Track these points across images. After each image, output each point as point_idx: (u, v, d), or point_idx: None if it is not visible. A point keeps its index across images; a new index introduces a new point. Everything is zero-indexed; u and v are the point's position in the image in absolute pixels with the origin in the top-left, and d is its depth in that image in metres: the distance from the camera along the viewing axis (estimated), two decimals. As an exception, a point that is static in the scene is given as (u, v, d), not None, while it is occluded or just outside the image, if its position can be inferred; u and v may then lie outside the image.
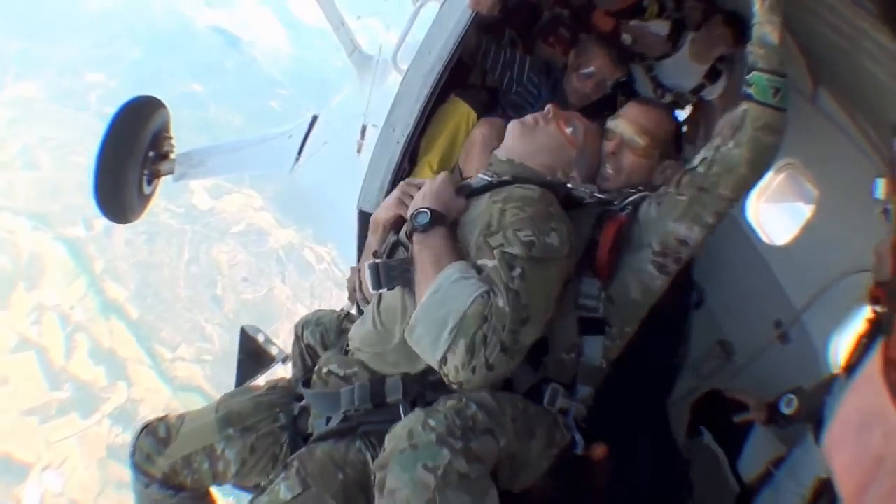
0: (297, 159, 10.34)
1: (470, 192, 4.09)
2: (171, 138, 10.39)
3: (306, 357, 5.33)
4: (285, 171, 10.90)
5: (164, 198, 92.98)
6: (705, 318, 6.44)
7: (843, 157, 6.31)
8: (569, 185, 4.28)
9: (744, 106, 3.80)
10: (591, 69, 7.09)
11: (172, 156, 10.36)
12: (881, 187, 4.74)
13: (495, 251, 3.53)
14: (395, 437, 3.13)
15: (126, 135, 9.37)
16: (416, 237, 3.79)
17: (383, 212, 4.53)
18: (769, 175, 7.25)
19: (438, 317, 3.33)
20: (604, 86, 7.29)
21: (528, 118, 4.40)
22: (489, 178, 4.19)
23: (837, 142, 6.44)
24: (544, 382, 3.84)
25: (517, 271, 3.40)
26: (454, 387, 3.40)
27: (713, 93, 8.21)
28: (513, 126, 4.42)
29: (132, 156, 9.28)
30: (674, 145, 4.80)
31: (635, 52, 8.17)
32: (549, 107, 4.41)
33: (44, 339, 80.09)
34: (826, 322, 6.28)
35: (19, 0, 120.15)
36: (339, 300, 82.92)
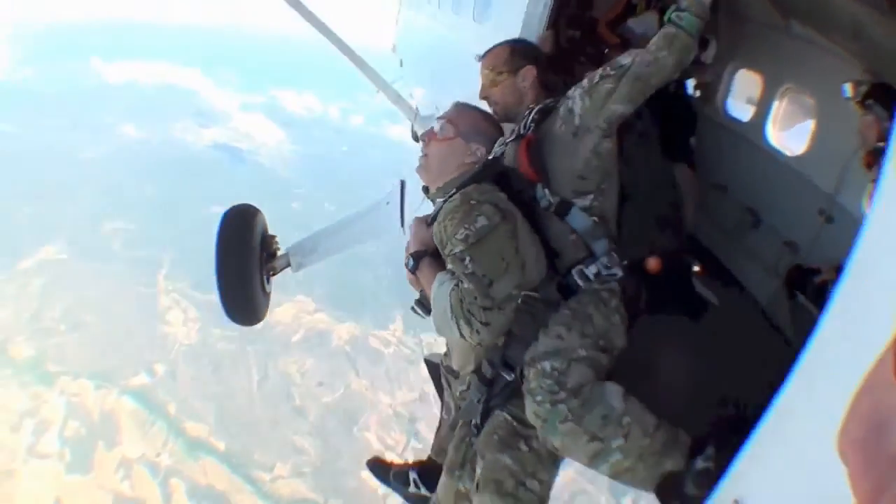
0: (402, 222, 11.81)
1: (430, 221, 5.07)
2: (274, 237, 10.41)
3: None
4: (396, 234, 12.57)
5: (216, 326, 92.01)
6: (768, 232, 8.37)
7: (826, 67, 7.30)
8: (485, 162, 5.23)
9: (674, 31, 4.76)
10: None
11: (280, 252, 10.37)
12: (848, 89, 6.15)
13: (449, 257, 4.63)
14: (533, 418, 4.33)
15: (240, 244, 9.26)
16: (416, 276, 5.15)
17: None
18: (776, 104, 8.71)
19: (440, 313, 4.54)
20: None
21: (419, 157, 5.58)
22: (435, 207, 5.21)
23: (817, 58, 7.63)
24: (568, 275, 4.69)
25: (466, 259, 4.43)
26: (478, 347, 4.87)
27: (708, 58, 9.15)
28: (417, 169, 5.61)
29: (251, 261, 9.21)
30: (516, 58, 5.66)
31: None
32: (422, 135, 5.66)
33: (139, 492, 78.64)
34: (855, 193, 6.93)
35: (17, 163, 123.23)
36: (415, 376, 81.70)
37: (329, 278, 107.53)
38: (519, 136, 5.05)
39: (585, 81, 4.97)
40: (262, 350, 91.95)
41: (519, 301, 4.45)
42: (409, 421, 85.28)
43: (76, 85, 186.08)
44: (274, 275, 9.68)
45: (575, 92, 4.99)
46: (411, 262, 5.04)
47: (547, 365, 4.23)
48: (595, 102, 4.78)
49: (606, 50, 8.62)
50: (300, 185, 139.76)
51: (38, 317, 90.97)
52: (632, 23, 8.47)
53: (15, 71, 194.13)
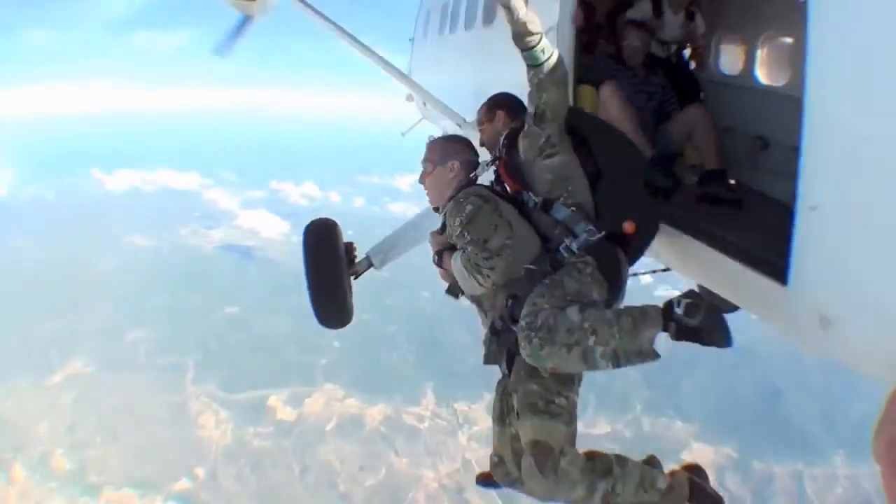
0: None
1: (441, 229, 6.72)
2: (352, 244, 10.70)
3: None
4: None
5: (250, 424, 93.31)
6: (776, 148, 9.27)
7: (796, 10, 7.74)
8: (469, 181, 6.88)
9: (536, 74, 6.22)
10: (635, 41, 9.63)
11: (359, 258, 10.92)
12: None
13: (455, 240, 6.20)
14: (527, 361, 5.70)
15: (328, 254, 9.84)
16: (442, 267, 6.79)
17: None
18: (759, 51, 10.50)
19: (462, 278, 6.02)
20: (643, 47, 9.66)
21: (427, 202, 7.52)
22: (441, 220, 6.77)
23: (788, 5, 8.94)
24: (557, 252, 6.09)
25: (465, 234, 5.93)
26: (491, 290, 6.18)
27: (700, 28, 11.02)
28: (428, 197, 7.36)
29: (340, 268, 9.76)
30: (491, 110, 7.50)
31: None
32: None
33: None
34: None
35: (34, 279, 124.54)
36: (455, 446, 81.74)
37: (354, 363, 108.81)
38: (496, 158, 6.83)
39: (525, 125, 6.55)
40: (297, 443, 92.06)
41: (522, 273, 5.87)
42: (457, 492, 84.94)
43: (81, 198, 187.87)
44: (357, 277, 10.49)
45: (524, 131, 6.58)
46: (436, 258, 6.70)
47: (524, 322, 5.37)
48: (531, 141, 6.45)
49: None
50: None
51: (73, 430, 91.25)
52: (630, 13, 10.42)
53: (22, 189, 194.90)
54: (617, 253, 6.08)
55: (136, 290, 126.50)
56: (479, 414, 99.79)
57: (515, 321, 5.72)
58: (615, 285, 6.04)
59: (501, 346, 6.30)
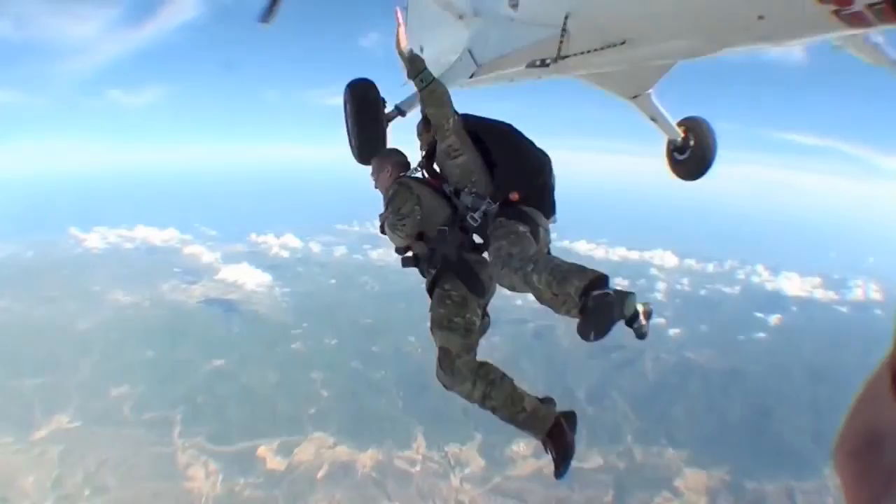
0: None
1: None
2: (384, 99, 11.06)
3: None
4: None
5: (240, 475, 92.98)
6: None
7: None
8: (402, 176, 8.99)
9: (420, 95, 8.58)
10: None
11: (389, 108, 11.06)
12: None
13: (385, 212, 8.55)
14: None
15: (369, 101, 10.66)
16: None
17: None
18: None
19: (389, 236, 8.54)
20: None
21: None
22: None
23: None
24: (465, 220, 8.41)
25: (388, 207, 8.33)
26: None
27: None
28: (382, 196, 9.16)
29: (380, 113, 10.71)
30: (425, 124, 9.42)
31: None
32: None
33: None
34: None
35: (16, 338, 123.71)
36: (447, 489, 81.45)
37: (343, 410, 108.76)
38: (420, 162, 9.10)
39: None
40: (289, 492, 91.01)
41: (436, 232, 8.27)
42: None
43: (60, 256, 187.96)
44: (389, 122, 11.05)
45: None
46: (382, 229, 8.72)
47: (498, 257, 7.73)
48: (441, 149, 8.65)
49: None
50: (297, 325, 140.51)
51: (60, 483, 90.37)
52: None
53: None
54: (504, 214, 8.10)
55: (120, 347, 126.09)
56: (471, 455, 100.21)
57: (434, 266, 8.31)
58: (526, 243, 7.93)
59: (428, 280, 8.52)
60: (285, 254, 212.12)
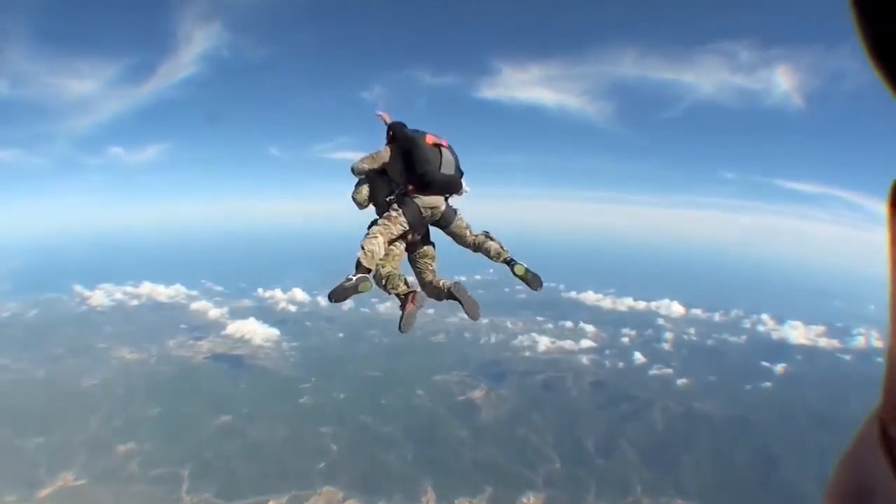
0: None
1: None
2: None
3: None
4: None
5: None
6: None
7: None
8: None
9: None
10: None
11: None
12: None
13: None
14: None
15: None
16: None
17: None
18: None
19: (358, 201, 13.24)
20: None
21: None
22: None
23: None
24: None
25: (357, 186, 13.01)
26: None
27: None
28: None
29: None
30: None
31: None
32: None
33: None
34: None
35: (20, 397, 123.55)
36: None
37: (352, 465, 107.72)
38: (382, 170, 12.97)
39: None
40: None
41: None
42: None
43: (64, 314, 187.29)
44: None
45: None
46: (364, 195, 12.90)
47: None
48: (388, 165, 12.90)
49: None
50: (305, 379, 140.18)
51: None
52: None
53: (1, 307, 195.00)
54: (407, 195, 12.39)
55: (126, 403, 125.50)
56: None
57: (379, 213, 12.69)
58: (412, 211, 12.34)
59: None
60: (293, 308, 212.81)
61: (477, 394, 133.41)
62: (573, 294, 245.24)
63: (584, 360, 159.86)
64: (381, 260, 11.88)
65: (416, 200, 12.18)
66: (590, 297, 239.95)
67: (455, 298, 12.18)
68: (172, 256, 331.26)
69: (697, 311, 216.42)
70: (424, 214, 12.39)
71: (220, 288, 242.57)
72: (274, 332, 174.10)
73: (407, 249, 12.68)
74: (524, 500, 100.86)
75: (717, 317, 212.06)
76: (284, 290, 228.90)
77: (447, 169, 12.19)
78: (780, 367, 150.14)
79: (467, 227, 13.02)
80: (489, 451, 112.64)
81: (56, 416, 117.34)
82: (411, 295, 11.95)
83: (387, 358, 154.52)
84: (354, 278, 11.43)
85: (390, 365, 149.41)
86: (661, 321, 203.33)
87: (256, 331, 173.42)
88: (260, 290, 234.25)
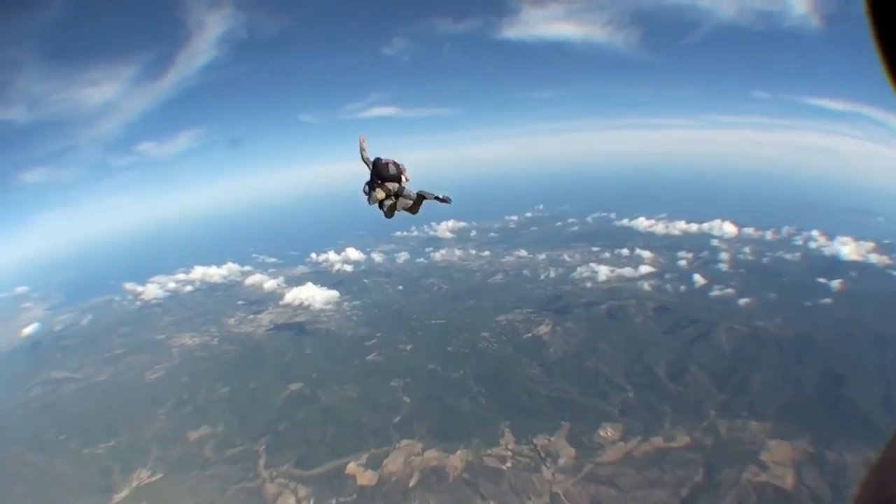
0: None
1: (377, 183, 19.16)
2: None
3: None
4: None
5: (331, 495, 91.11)
6: None
7: None
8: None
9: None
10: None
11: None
12: None
13: (387, 187, 18.96)
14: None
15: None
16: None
17: None
18: None
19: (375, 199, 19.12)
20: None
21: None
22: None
23: None
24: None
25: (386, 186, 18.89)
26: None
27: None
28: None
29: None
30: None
31: None
32: None
33: None
34: None
35: (88, 404, 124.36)
36: (540, 482, 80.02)
37: (427, 415, 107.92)
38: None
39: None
40: None
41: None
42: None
43: (118, 314, 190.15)
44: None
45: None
46: (366, 188, 18.16)
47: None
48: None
49: None
50: (370, 336, 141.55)
51: None
52: None
53: (52, 321, 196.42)
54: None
55: (193, 389, 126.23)
56: (560, 444, 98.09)
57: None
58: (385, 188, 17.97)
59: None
60: (349, 268, 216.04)
61: (543, 330, 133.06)
62: (625, 221, 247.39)
63: (646, 286, 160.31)
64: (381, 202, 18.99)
65: (385, 184, 18.69)
66: (642, 223, 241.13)
67: (424, 198, 18.96)
68: (219, 237, 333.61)
69: (750, 230, 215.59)
70: (391, 188, 18.73)
71: (272, 259, 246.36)
72: (333, 294, 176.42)
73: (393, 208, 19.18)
74: (601, 432, 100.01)
75: (769, 235, 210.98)
76: (338, 252, 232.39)
77: (393, 171, 18.60)
78: (836, 284, 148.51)
79: (409, 194, 19.11)
80: (562, 387, 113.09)
81: (123, 416, 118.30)
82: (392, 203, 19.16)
83: (448, 305, 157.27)
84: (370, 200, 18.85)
85: (453, 311, 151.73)
86: (715, 242, 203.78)
87: (315, 295, 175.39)
88: (313, 255, 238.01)
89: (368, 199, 18.49)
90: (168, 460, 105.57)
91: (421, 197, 19.12)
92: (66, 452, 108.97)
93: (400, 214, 19.03)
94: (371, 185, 18.73)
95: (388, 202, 18.97)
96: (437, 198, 18.80)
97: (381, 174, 18.67)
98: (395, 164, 18.93)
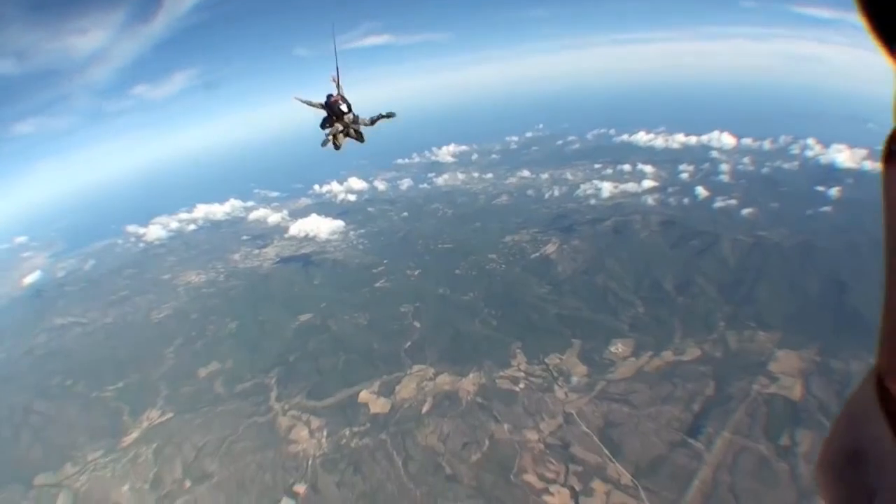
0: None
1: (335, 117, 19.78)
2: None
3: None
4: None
5: (344, 425, 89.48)
6: None
7: None
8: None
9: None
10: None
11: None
12: None
13: (344, 119, 19.69)
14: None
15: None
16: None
17: None
18: None
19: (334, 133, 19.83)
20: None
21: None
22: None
23: None
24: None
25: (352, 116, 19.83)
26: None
27: None
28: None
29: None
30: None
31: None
32: None
33: None
34: None
35: (97, 348, 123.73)
36: (553, 402, 78.45)
37: (438, 339, 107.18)
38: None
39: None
40: (396, 432, 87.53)
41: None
42: (563, 448, 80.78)
43: (121, 257, 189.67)
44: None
45: None
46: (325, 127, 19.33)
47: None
48: None
49: None
50: (378, 263, 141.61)
51: (159, 482, 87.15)
52: None
53: (54, 268, 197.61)
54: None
55: (201, 326, 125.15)
56: (572, 363, 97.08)
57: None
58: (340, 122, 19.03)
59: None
60: (352, 197, 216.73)
61: (550, 248, 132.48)
62: (625, 137, 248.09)
63: (649, 200, 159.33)
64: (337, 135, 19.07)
65: (342, 118, 18.95)
66: (642, 137, 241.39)
67: (374, 121, 19.72)
68: (220, 174, 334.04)
69: (748, 141, 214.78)
70: (346, 121, 18.99)
71: (275, 193, 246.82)
72: (339, 224, 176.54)
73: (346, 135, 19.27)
74: (612, 349, 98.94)
75: (766, 144, 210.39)
76: (340, 182, 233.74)
77: (344, 107, 19.00)
78: (835, 192, 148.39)
79: (363, 120, 19.62)
80: (571, 304, 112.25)
81: (131, 357, 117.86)
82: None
83: (454, 228, 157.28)
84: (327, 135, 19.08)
85: (459, 234, 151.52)
86: (714, 153, 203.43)
87: (320, 226, 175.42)
88: (316, 187, 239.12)
89: (323, 142, 19.27)
90: (178, 399, 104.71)
91: (373, 120, 20.16)
92: (73, 397, 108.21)
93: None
94: (328, 124, 19.60)
95: (341, 136, 19.62)
96: (383, 116, 20.16)
97: (334, 110, 19.64)
98: (342, 97, 19.80)
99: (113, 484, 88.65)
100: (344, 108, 19.31)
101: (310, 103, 20.03)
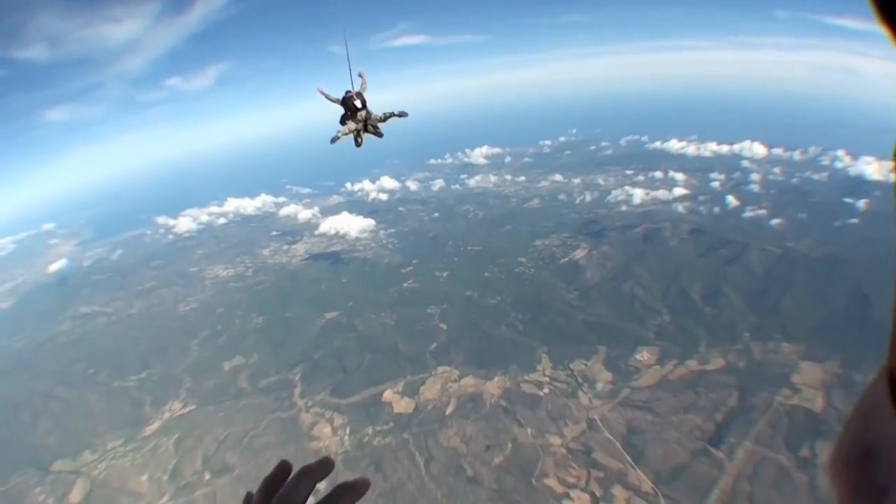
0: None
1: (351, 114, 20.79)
2: None
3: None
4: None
5: (367, 423, 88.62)
6: None
7: None
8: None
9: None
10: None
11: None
12: None
13: (359, 117, 20.75)
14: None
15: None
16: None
17: None
18: None
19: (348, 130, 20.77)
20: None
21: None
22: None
23: None
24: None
25: (366, 113, 20.95)
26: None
27: None
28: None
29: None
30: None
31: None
32: None
33: None
34: None
35: (123, 338, 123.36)
36: (577, 408, 78.00)
37: (464, 342, 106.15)
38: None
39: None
40: (419, 432, 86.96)
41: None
42: (585, 453, 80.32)
43: (150, 247, 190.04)
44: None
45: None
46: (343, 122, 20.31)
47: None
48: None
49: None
50: (407, 264, 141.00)
51: (178, 473, 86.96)
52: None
53: (81, 256, 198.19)
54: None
55: (227, 320, 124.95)
56: (597, 369, 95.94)
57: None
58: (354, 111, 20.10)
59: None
60: (384, 197, 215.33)
61: (579, 254, 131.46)
62: (658, 144, 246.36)
63: (680, 208, 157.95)
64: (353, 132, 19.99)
65: (357, 114, 19.74)
66: (674, 145, 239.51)
67: (387, 118, 20.50)
68: (252, 169, 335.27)
69: (778, 151, 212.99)
70: (360, 118, 19.83)
71: (306, 190, 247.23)
72: (369, 223, 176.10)
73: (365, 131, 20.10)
74: (638, 356, 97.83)
75: (797, 155, 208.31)
76: (373, 181, 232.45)
77: (359, 103, 19.70)
78: (863, 204, 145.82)
79: (378, 117, 20.32)
80: (598, 311, 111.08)
81: (155, 348, 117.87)
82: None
83: (484, 231, 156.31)
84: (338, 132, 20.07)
85: (489, 237, 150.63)
86: (745, 163, 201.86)
87: (351, 224, 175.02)
88: (348, 185, 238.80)
89: (333, 138, 20.38)
90: (201, 391, 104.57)
91: (385, 117, 21.01)
92: (95, 386, 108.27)
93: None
94: (344, 120, 20.54)
95: (359, 130, 20.58)
96: (395, 114, 21.07)
97: (349, 106, 20.47)
98: (358, 94, 20.68)
99: (131, 473, 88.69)
100: (358, 103, 20.23)
101: (328, 97, 21.03)
